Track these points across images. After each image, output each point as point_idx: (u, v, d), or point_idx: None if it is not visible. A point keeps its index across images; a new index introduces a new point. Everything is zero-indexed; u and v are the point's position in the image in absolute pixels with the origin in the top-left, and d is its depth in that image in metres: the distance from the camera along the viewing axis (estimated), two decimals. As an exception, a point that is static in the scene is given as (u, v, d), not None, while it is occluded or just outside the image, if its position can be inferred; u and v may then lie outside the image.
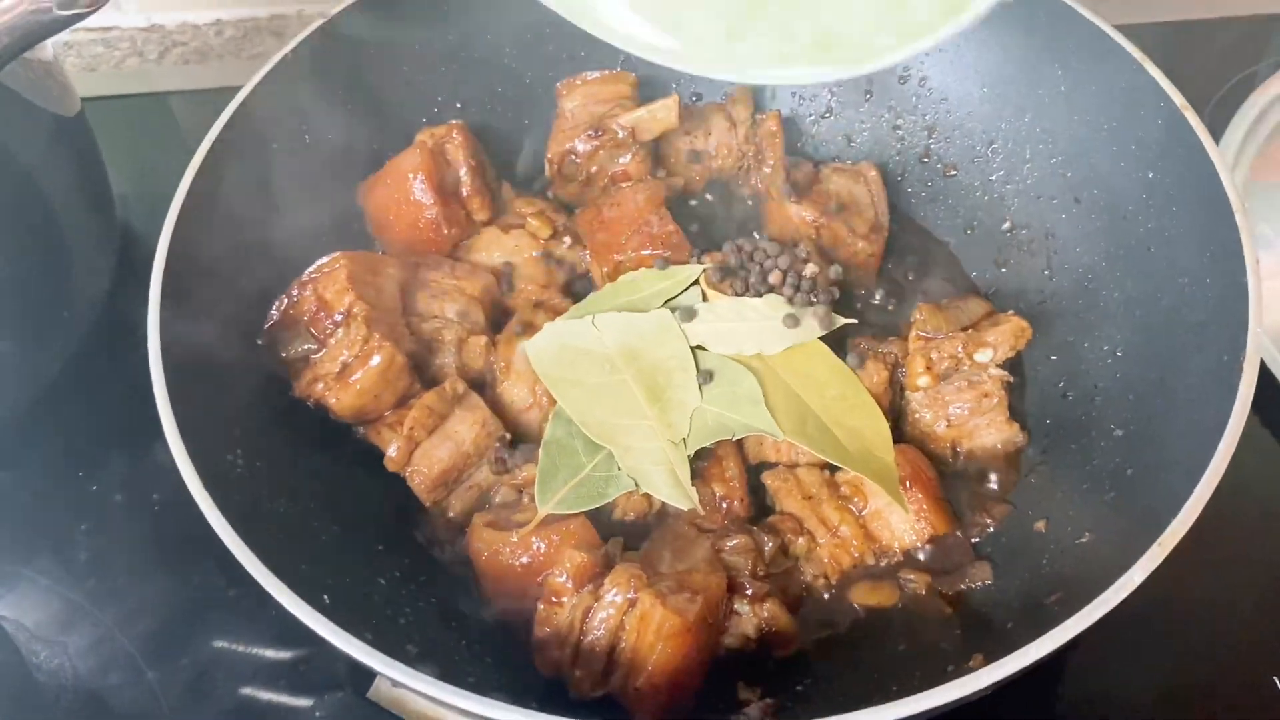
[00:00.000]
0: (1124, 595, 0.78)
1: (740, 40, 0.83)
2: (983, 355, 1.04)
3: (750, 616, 0.96)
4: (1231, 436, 0.84)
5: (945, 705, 0.75)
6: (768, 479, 1.06)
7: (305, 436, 1.05)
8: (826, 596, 1.01)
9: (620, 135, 1.21)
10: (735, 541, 0.98)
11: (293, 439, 1.04)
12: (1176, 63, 1.53)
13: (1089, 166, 1.14)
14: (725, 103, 1.30)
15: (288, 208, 1.16)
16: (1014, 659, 0.76)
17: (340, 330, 1.03)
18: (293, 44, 1.15)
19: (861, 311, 1.20)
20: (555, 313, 1.14)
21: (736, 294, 1.10)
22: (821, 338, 1.07)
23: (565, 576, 0.91)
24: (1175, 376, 0.98)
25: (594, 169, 1.23)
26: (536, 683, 0.93)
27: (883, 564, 1.02)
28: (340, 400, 1.02)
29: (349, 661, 0.80)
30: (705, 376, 1.03)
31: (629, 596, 0.88)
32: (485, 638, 0.98)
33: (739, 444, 1.07)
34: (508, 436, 1.06)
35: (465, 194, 1.21)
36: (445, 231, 1.19)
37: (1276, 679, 1.02)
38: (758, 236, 1.16)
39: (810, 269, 1.11)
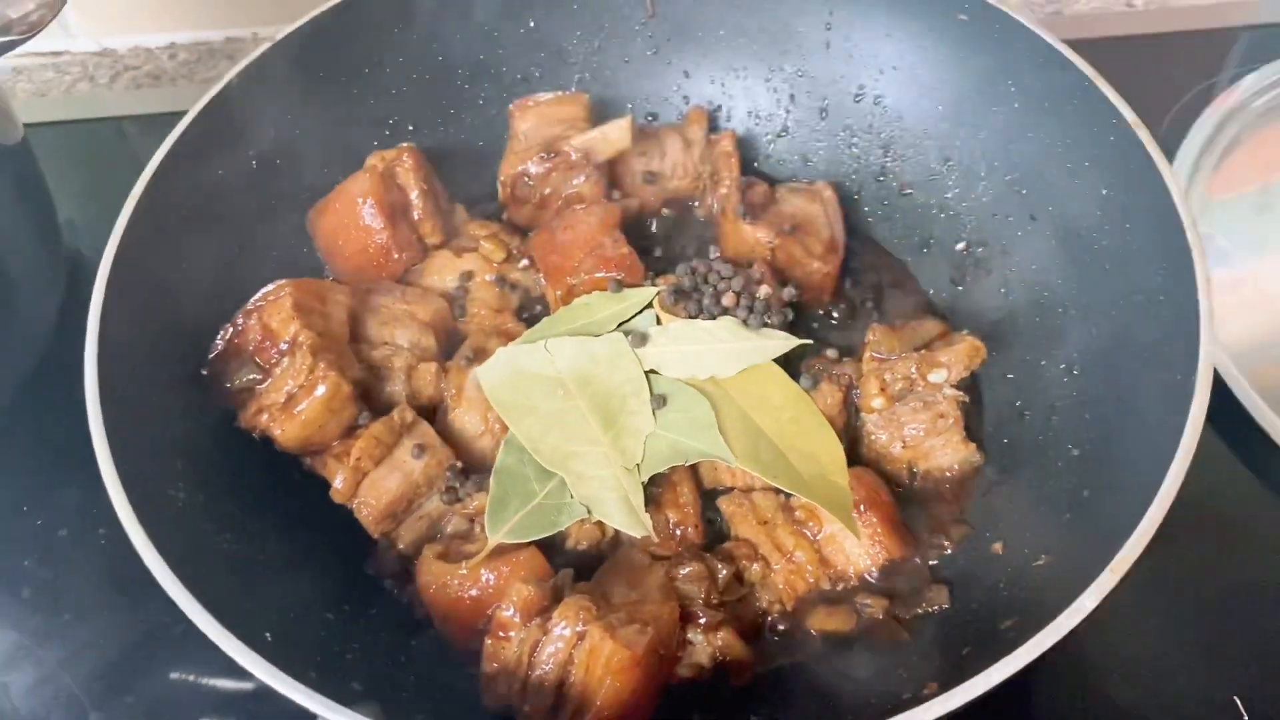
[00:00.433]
0: (1076, 622, 0.77)
1: None
2: (937, 376, 1.03)
3: (704, 646, 0.94)
4: (1183, 460, 0.83)
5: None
6: (723, 504, 1.04)
7: (252, 468, 1.03)
8: (783, 624, 1.00)
9: (573, 157, 1.20)
10: (688, 569, 0.97)
11: (239, 471, 1.02)
12: (1135, 76, 1.55)
13: (1044, 184, 1.14)
14: (680, 123, 1.29)
15: (236, 234, 1.14)
16: (964, 690, 0.75)
17: (286, 360, 1.01)
18: (239, 67, 1.14)
19: (819, 331, 1.19)
20: (509, 337, 1.12)
21: (691, 316, 1.09)
22: (777, 359, 1.06)
23: (512, 610, 0.89)
24: (1131, 396, 0.97)
25: (548, 191, 1.22)
26: (487, 718, 0.91)
27: (839, 589, 1.00)
28: (285, 431, 1.00)
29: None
30: (659, 401, 1.02)
31: (578, 629, 0.87)
32: (436, 672, 0.96)
33: (694, 469, 1.06)
34: (459, 465, 1.05)
35: (417, 218, 1.20)
36: (396, 256, 1.17)
37: (1238, 699, 1.01)
38: (712, 258, 1.14)
39: (764, 290, 1.09)
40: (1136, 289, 1.01)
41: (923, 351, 1.04)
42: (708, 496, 1.06)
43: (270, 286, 1.06)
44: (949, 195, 1.23)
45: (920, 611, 0.99)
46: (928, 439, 1.05)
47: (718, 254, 1.19)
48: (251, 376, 1.03)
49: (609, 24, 1.31)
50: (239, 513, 0.99)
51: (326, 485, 1.02)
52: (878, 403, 1.04)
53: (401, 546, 1.03)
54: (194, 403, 1.02)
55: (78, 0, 1.58)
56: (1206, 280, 0.93)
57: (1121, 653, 1.05)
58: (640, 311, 1.10)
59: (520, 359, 1.06)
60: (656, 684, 0.90)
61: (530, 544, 0.97)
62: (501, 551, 0.96)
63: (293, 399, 1.00)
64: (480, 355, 1.09)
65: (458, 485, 1.03)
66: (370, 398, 1.08)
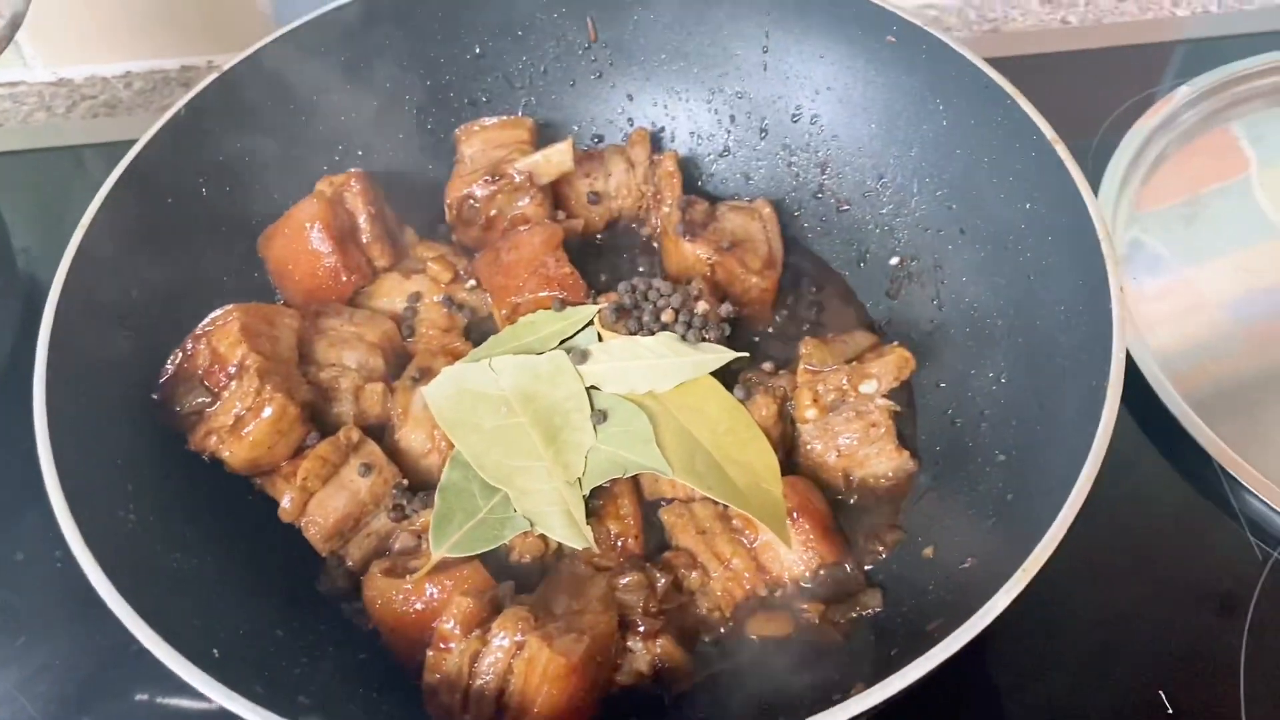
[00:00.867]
0: (988, 622, 0.80)
1: None
2: (867, 386, 1.06)
3: (643, 653, 0.97)
4: (1093, 465, 0.86)
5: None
6: (664, 514, 1.07)
7: (202, 490, 1.05)
8: (723, 630, 1.03)
9: (517, 179, 1.23)
10: (629, 579, 0.99)
11: (189, 492, 1.04)
12: (1070, 91, 1.59)
13: (973, 198, 1.17)
14: (624, 145, 1.32)
15: (186, 260, 1.16)
16: (879, 689, 0.78)
17: (234, 383, 1.04)
18: (190, 95, 1.17)
19: (760, 345, 1.22)
20: (456, 357, 1.15)
21: (631, 333, 1.12)
22: (715, 373, 1.09)
23: (453, 623, 0.92)
24: (1053, 402, 1.01)
25: (493, 213, 1.25)
26: (433, 729, 0.94)
27: (776, 595, 1.03)
28: (234, 453, 1.03)
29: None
30: (600, 416, 1.04)
31: (516, 639, 0.89)
32: (383, 686, 0.98)
33: (635, 481, 1.08)
34: (405, 483, 1.07)
35: (365, 241, 1.22)
36: (345, 279, 1.20)
37: (1163, 693, 1.05)
38: (653, 276, 1.17)
39: (702, 306, 1.13)
40: (1058, 299, 1.04)
41: (854, 363, 1.08)
42: (650, 508, 1.09)
43: (218, 311, 1.08)
44: (884, 211, 1.26)
45: (854, 615, 1.02)
46: (861, 448, 1.08)
47: (659, 272, 1.22)
48: (200, 400, 1.05)
49: (554, 49, 1.34)
50: (189, 533, 1.00)
51: (276, 505, 1.04)
52: (811, 413, 1.07)
53: (350, 564, 1.05)
54: (144, 426, 1.04)
55: (34, 30, 1.60)
56: (1120, 289, 0.96)
57: (1044, 652, 1.08)
58: (582, 329, 1.12)
59: (465, 378, 1.08)
60: (595, 691, 0.93)
61: (474, 558, 0.99)
62: (445, 566, 0.98)
63: (240, 421, 1.02)
64: (427, 375, 1.11)
65: (405, 503, 1.06)
66: (320, 419, 1.10)
